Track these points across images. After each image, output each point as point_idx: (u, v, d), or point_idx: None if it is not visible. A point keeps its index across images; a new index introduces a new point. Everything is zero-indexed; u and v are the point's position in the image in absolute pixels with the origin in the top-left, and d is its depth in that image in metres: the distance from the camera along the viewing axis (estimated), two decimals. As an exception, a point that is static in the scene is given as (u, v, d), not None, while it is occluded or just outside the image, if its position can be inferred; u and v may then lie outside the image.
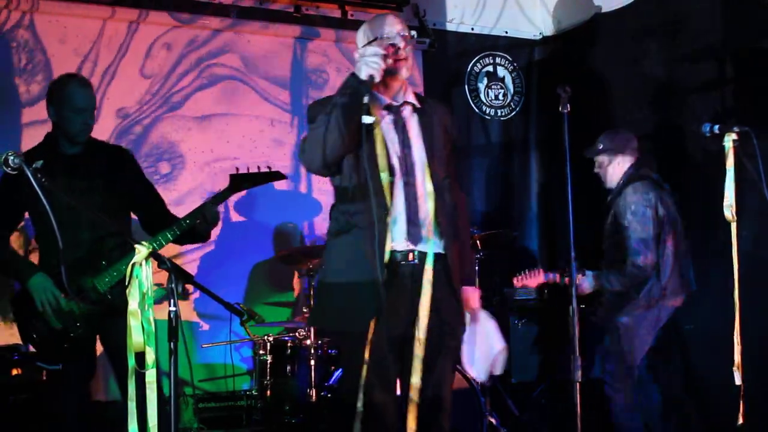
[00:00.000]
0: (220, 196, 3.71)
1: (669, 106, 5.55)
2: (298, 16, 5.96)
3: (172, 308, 2.51)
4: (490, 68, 6.59)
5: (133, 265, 2.47)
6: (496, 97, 6.56)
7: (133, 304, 2.46)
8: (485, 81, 6.56)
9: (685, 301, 4.54)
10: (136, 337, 2.45)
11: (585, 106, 5.26)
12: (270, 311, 5.52)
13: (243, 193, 3.98)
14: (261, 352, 4.78)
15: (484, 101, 6.52)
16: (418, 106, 3.18)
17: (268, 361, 4.73)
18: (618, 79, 5.93)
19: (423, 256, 3.02)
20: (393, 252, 2.98)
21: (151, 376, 2.47)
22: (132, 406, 2.51)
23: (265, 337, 4.81)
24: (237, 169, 3.79)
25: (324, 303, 3.19)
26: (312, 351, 4.56)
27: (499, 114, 6.58)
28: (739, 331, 3.33)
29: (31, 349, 3.70)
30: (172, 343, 2.49)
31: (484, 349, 3.26)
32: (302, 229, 6.06)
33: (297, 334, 4.77)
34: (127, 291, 2.47)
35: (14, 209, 3.64)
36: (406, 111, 3.16)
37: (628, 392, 4.44)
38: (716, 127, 3.45)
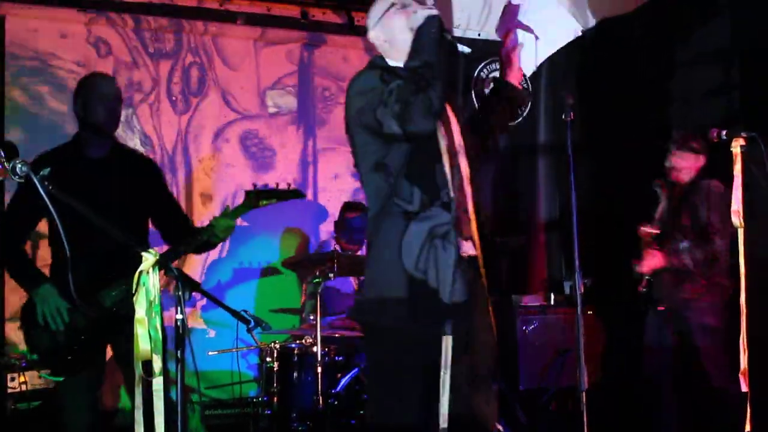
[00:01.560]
0: (235, 212, 3.61)
1: (676, 111, 5.54)
2: (305, 22, 6.00)
3: (179, 316, 2.50)
4: (497, 74, 6.57)
5: (140, 272, 2.47)
6: (503, 103, 6.54)
7: (140, 312, 2.46)
8: (491, 86, 6.54)
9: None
10: (143, 345, 2.45)
11: (591, 111, 5.24)
12: (276, 318, 5.52)
13: (269, 205, 3.77)
14: (268, 359, 4.77)
15: (491, 107, 6.50)
16: None
17: (275, 369, 4.72)
18: (625, 84, 5.92)
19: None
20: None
21: (158, 383, 2.47)
22: (139, 414, 2.50)
23: (272, 344, 4.81)
24: (254, 185, 3.69)
25: (396, 294, 2.73)
26: (319, 358, 4.55)
27: (505, 120, 6.56)
28: (745, 337, 3.32)
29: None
30: (179, 352, 2.49)
31: None
32: (309, 236, 6.06)
33: (303, 341, 4.77)
34: (134, 299, 2.47)
35: (30, 217, 3.58)
36: None
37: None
38: (723, 132, 3.44)
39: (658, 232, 4.64)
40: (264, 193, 3.62)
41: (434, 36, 2.65)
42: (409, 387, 2.76)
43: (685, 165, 4.64)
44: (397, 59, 2.84)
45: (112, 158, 3.63)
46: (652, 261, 4.60)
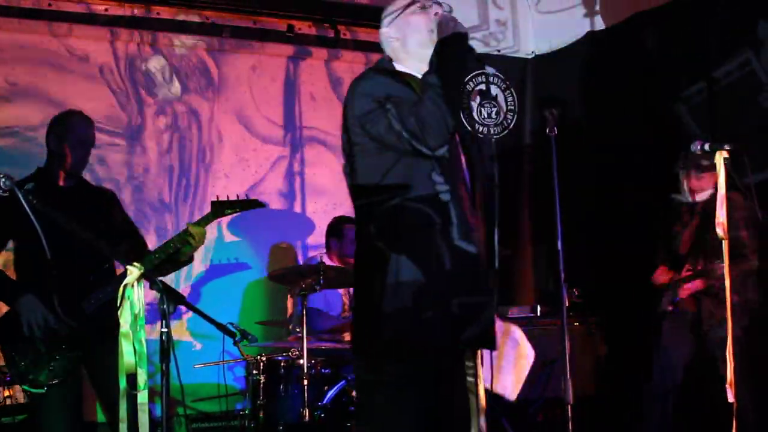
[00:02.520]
0: (202, 221, 3.80)
1: (661, 124, 5.57)
2: (291, 35, 6.01)
3: (164, 329, 2.50)
4: (483, 87, 6.58)
5: (125, 286, 2.47)
6: (489, 116, 6.54)
7: (124, 325, 2.45)
8: (478, 99, 6.55)
9: None
10: (127, 358, 2.44)
11: (577, 124, 5.25)
12: (263, 331, 5.51)
13: (234, 214, 4.03)
14: (254, 371, 4.76)
15: (477, 119, 6.51)
16: None
17: (261, 381, 4.71)
18: (611, 98, 5.95)
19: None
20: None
21: (142, 397, 2.46)
22: (123, 427, 2.50)
23: (258, 356, 4.80)
24: (217, 196, 3.90)
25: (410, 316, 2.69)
26: (305, 371, 4.55)
27: (491, 132, 6.57)
28: (731, 348, 3.33)
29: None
30: (163, 365, 2.48)
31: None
32: (296, 249, 6.06)
33: (290, 353, 4.76)
34: (119, 312, 2.46)
35: (2, 236, 3.64)
36: None
37: None
38: (707, 144, 3.45)
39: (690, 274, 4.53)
40: (228, 203, 3.85)
41: (460, 54, 2.66)
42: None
43: (707, 185, 4.53)
44: (404, 62, 2.84)
45: (80, 188, 3.80)
46: (692, 285, 4.50)
